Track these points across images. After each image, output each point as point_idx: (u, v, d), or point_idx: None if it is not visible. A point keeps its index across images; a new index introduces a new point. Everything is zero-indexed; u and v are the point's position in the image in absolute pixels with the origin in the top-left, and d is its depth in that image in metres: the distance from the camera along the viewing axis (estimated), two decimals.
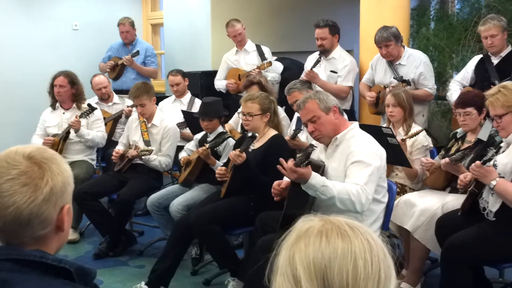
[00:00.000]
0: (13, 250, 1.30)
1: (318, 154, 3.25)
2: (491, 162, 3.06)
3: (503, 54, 4.50)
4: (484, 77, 4.52)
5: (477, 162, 3.03)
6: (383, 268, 1.05)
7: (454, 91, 4.64)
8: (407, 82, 4.59)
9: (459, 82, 4.73)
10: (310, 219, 1.11)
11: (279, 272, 1.06)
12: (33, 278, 1.27)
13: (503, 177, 2.98)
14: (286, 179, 3.26)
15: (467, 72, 4.71)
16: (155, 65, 6.57)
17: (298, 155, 3.04)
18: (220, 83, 5.90)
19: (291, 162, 2.87)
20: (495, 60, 4.51)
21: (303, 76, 5.23)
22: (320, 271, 1.02)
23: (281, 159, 2.94)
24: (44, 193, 1.29)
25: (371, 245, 1.06)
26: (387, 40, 4.70)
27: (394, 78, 4.76)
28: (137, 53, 6.31)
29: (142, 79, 6.35)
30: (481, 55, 4.66)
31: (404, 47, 4.86)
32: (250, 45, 5.84)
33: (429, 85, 4.80)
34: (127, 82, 6.33)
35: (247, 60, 5.78)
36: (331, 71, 5.24)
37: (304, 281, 1.02)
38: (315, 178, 2.85)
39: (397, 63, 4.82)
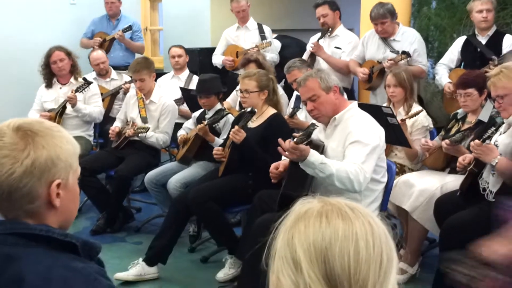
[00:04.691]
0: (19, 224, 1.27)
1: (317, 134, 3.22)
2: (492, 141, 3.03)
3: (490, 33, 4.53)
4: (474, 56, 4.55)
5: (476, 140, 3.01)
6: (385, 251, 1.02)
7: (442, 75, 4.68)
8: (407, 54, 4.56)
9: (446, 65, 4.74)
10: (308, 200, 1.08)
11: (277, 255, 1.03)
12: (39, 252, 1.24)
13: None
14: (284, 161, 3.24)
15: (453, 54, 4.73)
16: (142, 40, 6.45)
17: (298, 134, 3.02)
18: (217, 59, 5.85)
19: (290, 142, 2.85)
20: (483, 39, 4.54)
21: (309, 49, 5.19)
22: (321, 253, 0.99)
23: (280, 140, 2.91)
24: (24, 165, 1.25)
25: (373, 227, 1.03)
26: (383, 17, 4.67)
27: (391, 51, 4.72)
28: (130, 28, 6.11)
29: (131, 55, 6.25)
30: (464, 37, 4.69)
31: (398, 24, 4.82)
32: (252, 23, 5.76)
33: (423, 61, 4.80)
34: (116, 58, 6.15)
35: (247, 38, 5.71)
36: (336, 47, 5.20)
37: (304, 264, 0.99)
38: (314, 155, 2.83)
39: (391, 39, 4.80)
